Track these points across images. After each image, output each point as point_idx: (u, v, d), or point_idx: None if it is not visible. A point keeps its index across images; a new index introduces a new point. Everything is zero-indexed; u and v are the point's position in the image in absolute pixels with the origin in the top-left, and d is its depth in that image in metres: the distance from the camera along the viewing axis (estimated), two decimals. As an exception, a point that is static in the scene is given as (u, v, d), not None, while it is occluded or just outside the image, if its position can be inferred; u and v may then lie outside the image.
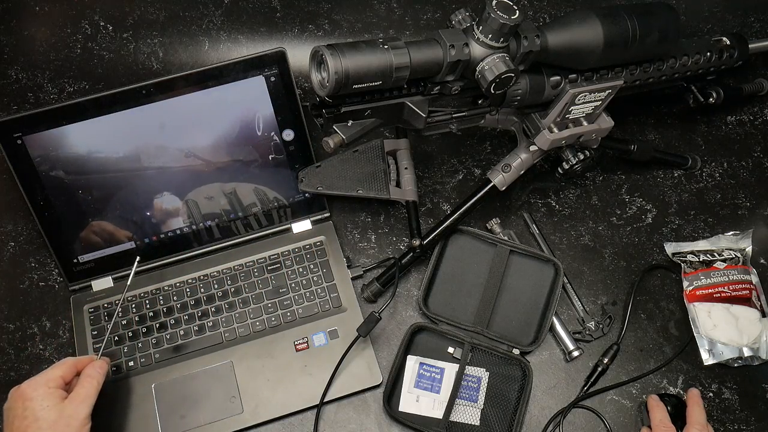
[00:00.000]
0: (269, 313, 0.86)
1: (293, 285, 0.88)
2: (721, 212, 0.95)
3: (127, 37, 1.01)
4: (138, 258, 0.83)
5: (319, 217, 0.93)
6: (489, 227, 0.91)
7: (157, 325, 0.86)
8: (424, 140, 0.99)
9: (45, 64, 1.00)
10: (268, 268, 0.89)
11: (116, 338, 0.85)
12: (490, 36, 0.64)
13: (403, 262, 0.86)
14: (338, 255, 0.90)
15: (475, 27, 0.65)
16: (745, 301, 0.85)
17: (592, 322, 0.86)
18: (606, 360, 0.83)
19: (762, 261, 0.92)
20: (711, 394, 0.83)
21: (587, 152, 0.83)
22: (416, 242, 0.84)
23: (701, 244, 0.90)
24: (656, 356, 0.85)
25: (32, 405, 0.67)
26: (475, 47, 0.65)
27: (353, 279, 0.89)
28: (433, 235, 0.85)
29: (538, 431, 0.81)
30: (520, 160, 0.83)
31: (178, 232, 0.89)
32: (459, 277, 0.88)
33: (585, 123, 0.80)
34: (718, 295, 0.85)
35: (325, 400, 0.81)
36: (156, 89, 0.81)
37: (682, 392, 0.83)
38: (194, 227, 0.90)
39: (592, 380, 0.83)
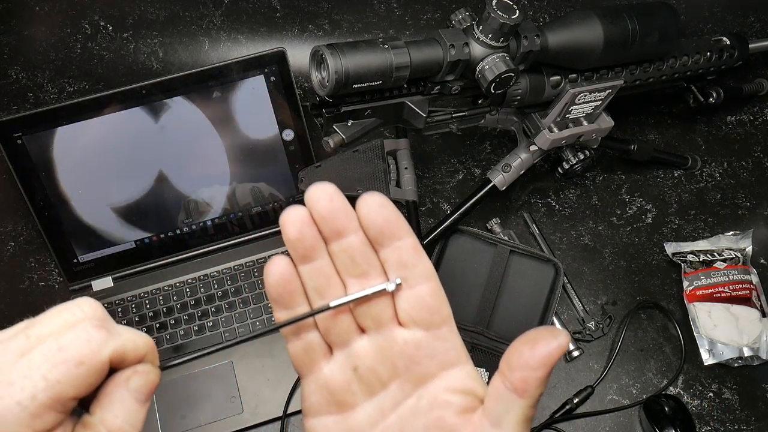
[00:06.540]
0: (269, 313, 0.86)
1: (293, 285, 0.88)
2: (721, 212, 0.95)
3: (127, 37, 1.01)
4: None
5: (319, 217, 0.93)
6: (489, 227, 0.91)
7: (157, 325, 0.86)
8: (424, 140, 0.99)
9: (45, 64, 1.00)
10: (268, 268, 0.89)
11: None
12: (490, 36, 0.64)
13: (403, 262, 0.86)
14: (338, 255, 0.90)
15: (475, 27, 0.65)
16: (745, 301, 0.85)
17: (592, 322, 0.86)
18: (576, 400, 0.81)
19: (762, 261, 0.92)
20: (711, 394, 0.83)
21: (587, 152, 0.83)
22: (416, 242, 0.84)
23: (701, 244, 0.90)
24: (656, 356, 0.85)
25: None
26: (475, 47, 0.65)
27: (353, 279, 0.88)
28: (433, 235, 0.85)
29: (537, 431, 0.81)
30: (520, 160, 0.83)
31: (178, 232, 0.89)
32: (459, 277, 0.88)
33: (585, 123, 0.80)
34: (718, 295, 0.85)
35: (325, 400, 0.80)
36: (156, 89, 0.81)
37: (682, 392, 0.83)
38: (194, 227, 0.90)
39: (557, 416, 0.81)
